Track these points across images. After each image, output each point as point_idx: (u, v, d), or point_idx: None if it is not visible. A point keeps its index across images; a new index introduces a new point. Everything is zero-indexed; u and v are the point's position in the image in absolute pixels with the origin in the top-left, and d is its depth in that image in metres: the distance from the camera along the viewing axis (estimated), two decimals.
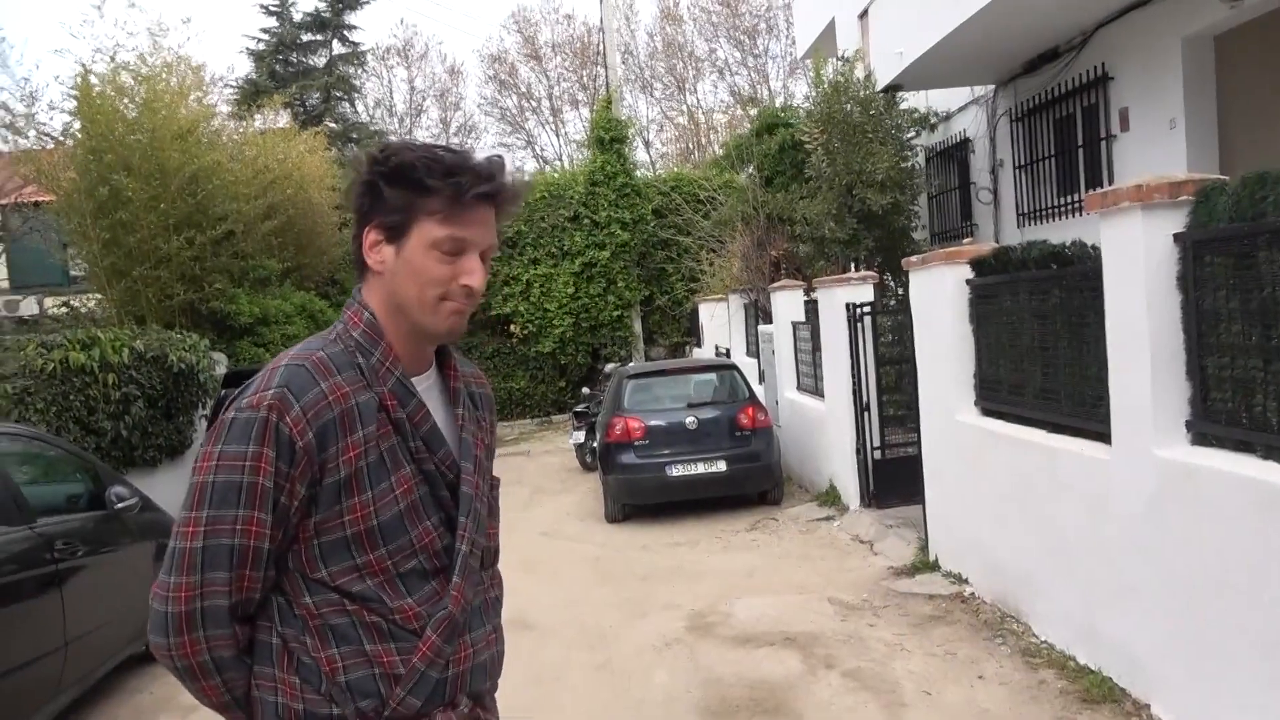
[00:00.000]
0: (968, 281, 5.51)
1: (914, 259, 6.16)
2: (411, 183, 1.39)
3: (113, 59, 11.48)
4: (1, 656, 3.75)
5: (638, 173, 18.25)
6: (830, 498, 8.37)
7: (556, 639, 5.52)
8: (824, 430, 8.53)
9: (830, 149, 10.52)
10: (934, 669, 4.59)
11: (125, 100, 11.35)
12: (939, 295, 5.73)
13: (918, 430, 6.45)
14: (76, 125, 11.34)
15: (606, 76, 18.77)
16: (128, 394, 7.98)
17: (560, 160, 30.98)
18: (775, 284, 10.43)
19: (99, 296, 12.08)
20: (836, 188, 10.42)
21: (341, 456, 1.38)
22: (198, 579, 1.34)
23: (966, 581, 5.69)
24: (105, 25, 18.37)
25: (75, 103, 11.15)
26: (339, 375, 1.41)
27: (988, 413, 5.42)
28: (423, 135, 31.72)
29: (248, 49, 22.80)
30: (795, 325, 9.66)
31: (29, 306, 16.91)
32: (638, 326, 17.75)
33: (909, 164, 11.07)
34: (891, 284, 10.69)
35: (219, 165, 11.82)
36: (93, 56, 13.97)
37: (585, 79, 31.51)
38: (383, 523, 1.40)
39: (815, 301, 8.73)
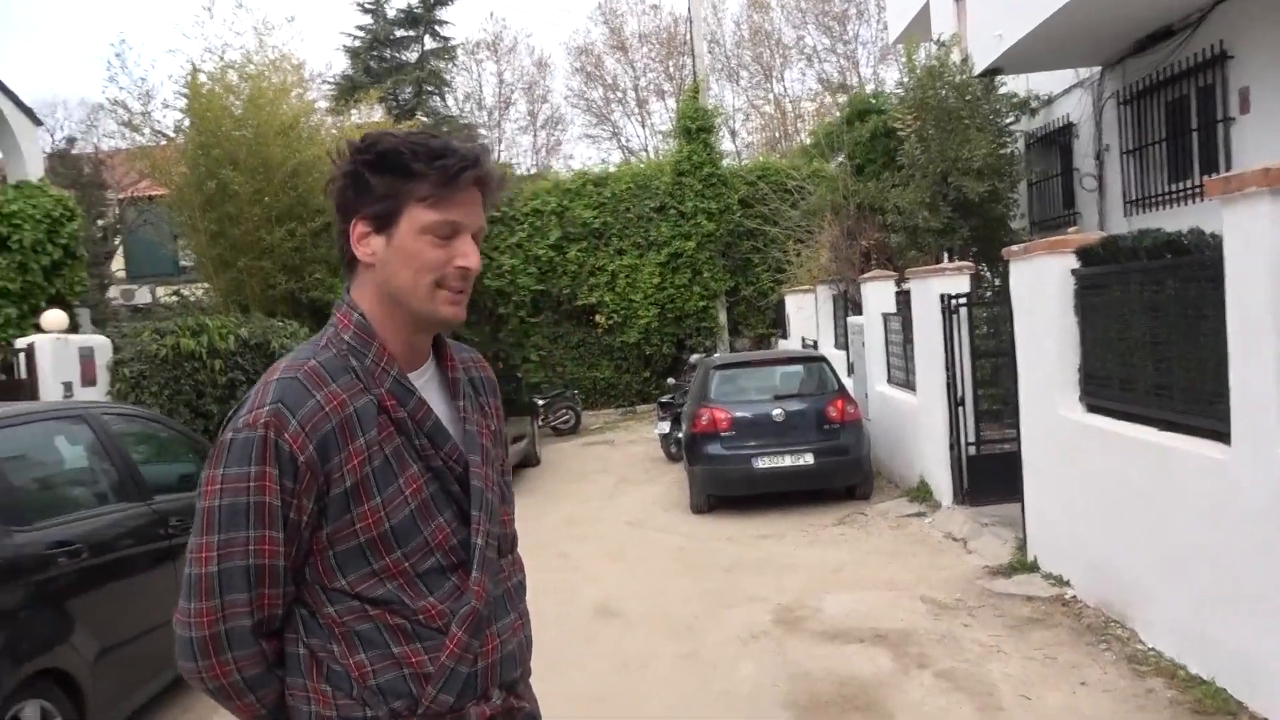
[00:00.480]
0: (1073, 272, 5.28)
1: (1015, 248, 5.94)
2: (398, 169, 1.37)
3: (221, 57, 11.99)
4: (120, 627, 3.96)
5: (724, 162, 18.12)
6: (921, 494, 8.17)
7: (642, 628, 5.54)
8: (915, 424, 8.33)
9: (924, 136, 10.24)
10: (1033, 673, 4.43)
11: (232, 97, 11.84)
12: (1042, 286, 5.51)
13: (1015, 426, 6.23)
14: (187, 122, 11.88)
15: (694, 65, 18.68)
16: (233, 379, 8.34)
17: (645, 151, 30.98)
18: (866, 275, 10.22)
19: (206, 286, 12.66)
20: (930, 175, 10.14)
21: (345, 466, 1.36)
22: (217, 602, 1.34)
23: (1067, 584, 5.48)
24: (215, 25, 19.41)
25: (186, 100, 11.68)
26: (333, 383, 1.38)
27: (1093, 409, 5.20)
28: (511, 128, 32.17)
29: (344, 46, 23.43)
30: (886, 317, 9.45)
31: (143, 295, 17.84)
32: (723, 317, 17.64)
33: (1007, 150, 10.70)
34: (988, 275, 10.35)
35: (318, 159, 12.20)
36: (202, 55, 14.58)
37: (671, 69, 31.41)
38: (395, 525, 1.39)
39: (907, 292, 8.52)
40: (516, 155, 32.21)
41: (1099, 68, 10.22)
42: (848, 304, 11.76)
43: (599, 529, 8.41)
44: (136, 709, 4.17)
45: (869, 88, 21.86)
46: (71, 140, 21.11)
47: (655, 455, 12.09)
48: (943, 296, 7.45)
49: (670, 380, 14.30)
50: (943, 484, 7.72)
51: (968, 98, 10.25)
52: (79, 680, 3.56)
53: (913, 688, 4.37)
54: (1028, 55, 9.63)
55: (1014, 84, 11.26)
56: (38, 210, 11.63)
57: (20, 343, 7.81)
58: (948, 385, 7.48)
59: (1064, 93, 11.18)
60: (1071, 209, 11.12)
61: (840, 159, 13.61)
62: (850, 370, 10.99)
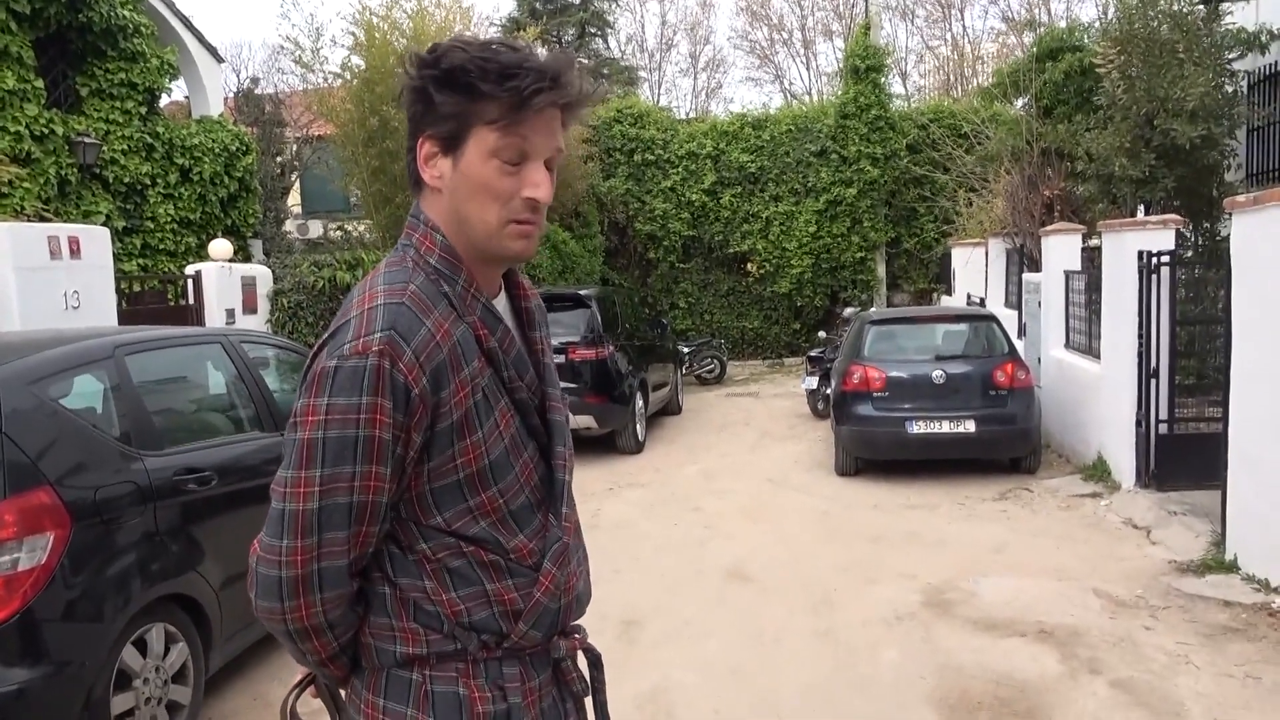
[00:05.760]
0: None
1: (1243, 198, 5.08)
2: (464, 87, 1.24)
3: None
4: (248, 557, 3.95)
5: (893, 105, 17.01)
6: (1097, 472, 7.38)
7: (777, 597, 5.20)
8: (1096, 395, 7.50)
9: (1128, 72, 9.06)
10: (1230, 693, 3.82)
11: (398, 35, 11.94)
12: (1277, 243, 4.67)
13: (1222, 403, 5.42)
14: (355, 60, 12.10)
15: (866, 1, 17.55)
16: None
17: (809, 95, 29.76)
18: (1048, 227, 9.27)
19: (369, 221, 13.00)
20: (1133, 118, 8.98)
21: (453, 399, 1.26)
22: (314, 540, 1.24)
23: (1277, 590, 4.73)
24: None
25: (353, 38, 11.89)
26: (436, 310, 1.28)
27: None
28: (671, 70, 31.60)
29: None
30: (1069, 274, 8.55)
31: (315, 230, 18.70)
32: (881, 270, 16.77)
33: (1229, 90, 9.33)
34: (1189, 233, 9.16)
35: None
36: None
37: (841, 8, 29.95)
38: (493, 461, 1.32)
39: (1095, 248, 7.65)
40: (676, 99, 31.69)
41: None
42: (1023, 259, 10.80)
43: (737, 485, 8.09)
44: (257, 640, 4.18)
45: (1062, 24, 19.92)
46: (255, 80, 22.16)
47: (801, 411, 11.61)
48: (1141, 254, 6.59)
49: (821, 334, 13.74)
50: (1124, 463, 6.94)
51: (1185, 29, 8.97)
52: (204, 607, 3.57)
53: (1082, 697, 3.85)
54: None
55: (1241, 15, 9.82)
56: (216, 144, 12.23)
57: (189, 269, 8.18)
58: (1140, 353, 6.66)
59: None
60: None
61: (1025, 101, 12.41)
62: (1022, 332, 10.14)
